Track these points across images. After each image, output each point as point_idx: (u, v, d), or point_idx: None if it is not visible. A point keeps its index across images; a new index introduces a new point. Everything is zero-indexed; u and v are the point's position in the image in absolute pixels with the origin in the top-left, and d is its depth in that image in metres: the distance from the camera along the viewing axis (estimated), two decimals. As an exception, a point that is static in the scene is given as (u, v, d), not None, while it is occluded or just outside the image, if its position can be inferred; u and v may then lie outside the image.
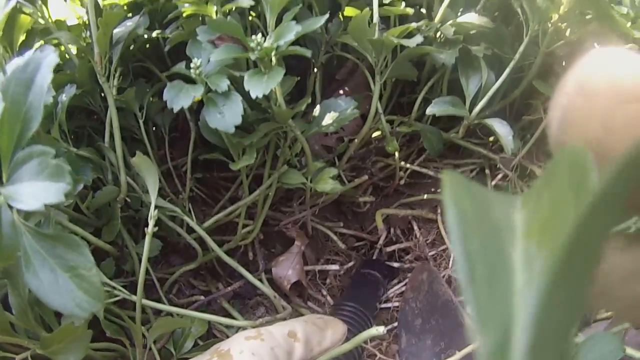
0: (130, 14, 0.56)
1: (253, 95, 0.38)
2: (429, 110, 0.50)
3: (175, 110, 0.41)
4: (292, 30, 0.39)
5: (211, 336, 0.57)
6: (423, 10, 0.63)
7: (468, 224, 0.11)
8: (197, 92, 0.40)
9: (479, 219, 0.11)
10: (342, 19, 0.61)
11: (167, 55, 0.58)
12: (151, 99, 0.58)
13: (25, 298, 0.37)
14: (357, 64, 0.60)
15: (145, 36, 0.57)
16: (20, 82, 0.30)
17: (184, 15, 0.51)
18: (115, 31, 0.50)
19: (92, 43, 0.45)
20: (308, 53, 0.43)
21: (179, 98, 0.40)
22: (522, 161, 0.64)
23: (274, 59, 0.41)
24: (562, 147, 0.15)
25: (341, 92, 0.66)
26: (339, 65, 0.66)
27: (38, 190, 0.27)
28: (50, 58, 0.29)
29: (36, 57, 0.30)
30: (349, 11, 0.59)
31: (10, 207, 0.29)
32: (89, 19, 0.45)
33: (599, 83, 0.14)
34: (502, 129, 0.51)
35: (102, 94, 0.53)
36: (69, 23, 0.57)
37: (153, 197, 0.42)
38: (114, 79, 0.50)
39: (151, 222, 0.42)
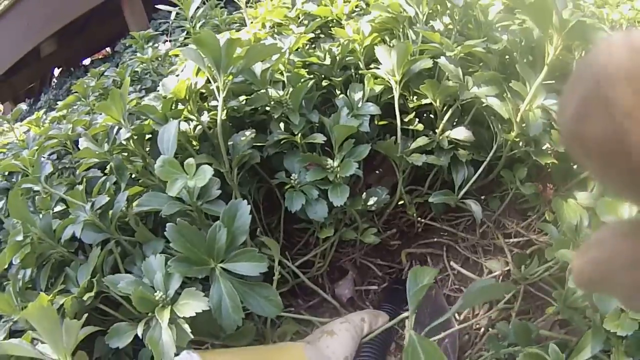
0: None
1: (336, 204, 0.72)
2: (431, 199, 0.83)
3: (293, 210, 0.74)
4: (352, 168, 0.73)
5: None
6: (432, 115, 0.96)
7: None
8: (302, 200, 0.75)
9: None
10: (378, 126, 0.94)
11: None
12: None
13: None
14: (386, 157, 0.94)
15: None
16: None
17: (282, 142, 0.86)
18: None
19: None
20: (360, 173, 0.77)
21: (295, 202, 0.74)
22: (498, 217, 0.97)
23: (341, 180, 0.75)
24: (577, 138, 0.15)
25: (377, 172, 1.00)
26: (375, 156, 1.00)
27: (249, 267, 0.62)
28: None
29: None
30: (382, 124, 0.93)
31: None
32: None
33: (624, 72, 0.14)
34: (474, 206, 0.83)
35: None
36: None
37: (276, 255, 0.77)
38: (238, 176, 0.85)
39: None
